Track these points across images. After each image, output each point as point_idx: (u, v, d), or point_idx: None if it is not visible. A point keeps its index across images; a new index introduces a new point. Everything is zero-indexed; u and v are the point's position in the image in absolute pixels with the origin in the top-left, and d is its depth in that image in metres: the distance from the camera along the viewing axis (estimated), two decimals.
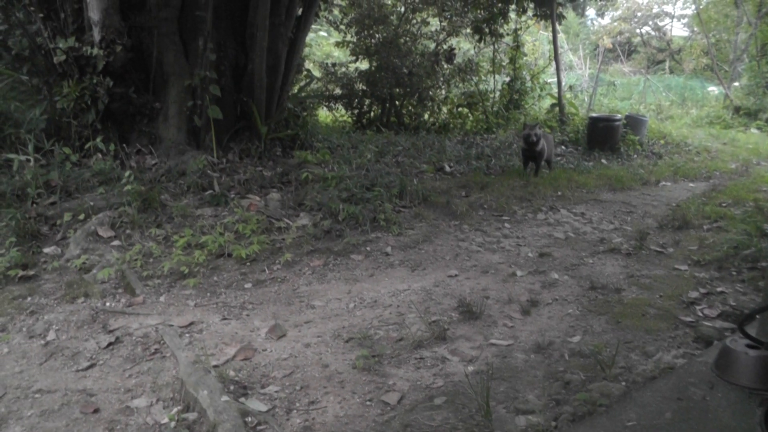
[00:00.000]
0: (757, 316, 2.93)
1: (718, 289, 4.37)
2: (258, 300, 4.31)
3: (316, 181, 6.69)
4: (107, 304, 4.16)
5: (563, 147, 11.17)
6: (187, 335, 3.71)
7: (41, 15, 6.46)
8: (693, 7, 21.48)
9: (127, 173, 5.91)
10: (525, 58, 14.61)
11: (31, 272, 4.55)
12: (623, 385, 2.94)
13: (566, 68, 22.27)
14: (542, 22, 14.31)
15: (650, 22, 27.89)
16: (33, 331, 3.75)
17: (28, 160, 5.87)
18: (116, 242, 5.06)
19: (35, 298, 4.19)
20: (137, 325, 3.85)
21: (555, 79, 13.56)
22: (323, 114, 13.40)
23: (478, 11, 13.03)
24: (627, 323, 3.82)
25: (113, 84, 6.54)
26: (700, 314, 3.95)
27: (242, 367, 3.31)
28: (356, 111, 13.02)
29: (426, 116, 13.47)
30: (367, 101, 12.97)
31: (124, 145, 6.72)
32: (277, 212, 5.93)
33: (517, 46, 13.55)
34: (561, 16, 13.67)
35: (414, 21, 13.23)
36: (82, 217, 5.31)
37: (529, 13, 13.36)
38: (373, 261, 5.11)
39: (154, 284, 4.48)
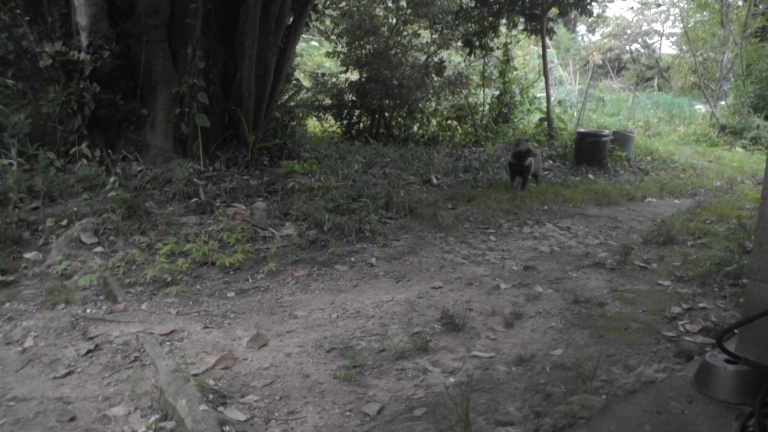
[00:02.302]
0: (735, 332, 2.95)
1: (700, 305, 4.39)
2: (240, 309, 4.29)
3: (302, 191, 6.70)
4: (88, 311, 4.14)
5: (551, 161, 11.22)
6: (167, 343, 3.69)
7: (28, 18, 6.45)
8: (681, 25, 21.70)
9: (112, 179, 5.89)
10: (515, 72, 14.69)
11: (11, 278, 4.51)
12: (604, 398, 2.95)
13: (556, 83, 22.43)
14: (533, 37, 14.42)
15: (640, 40, 28.21)
16: (10, 337, 3.71)
17: (11, 165, 5.83)
18: (99, 249, 5.03)
19: (14, 304, 4.15)
20: (118, 332, 3.83)
21: (544, 94, 13.65)
22: (312, 124, 13.42)
23: (469, 24, 13.12)
24: (609, 337, 3.84)
25: (100, 90, 6.54)
26: (682, 329, 3.97)
27: (222, 376, 3.29)
28: (345, 122, 13.04)
29: (415, 128, 13.51)
30: (357, 112, 13.00)
31: (110, 151, 6.70)
32: (263, 221, 5.92)
33: (507, 60, 13.62)
34: (551, 31, 13.76)
35: (405, 33, 13.28)
36: (65, 222, 5.28)
37: (520, 27, 13.45)
38: (358, 272, 5.10)
39: (137, 292, 4.46)
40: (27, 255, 4.88)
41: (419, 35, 13.64)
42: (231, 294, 4.56)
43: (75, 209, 5.48)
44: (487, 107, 14.03)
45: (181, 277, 4.71)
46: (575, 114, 16.58)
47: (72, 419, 2.88)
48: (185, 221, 5.71)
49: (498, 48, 13.64)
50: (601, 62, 26.22)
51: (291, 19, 8.43)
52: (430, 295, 4.61)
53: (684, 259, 5.53)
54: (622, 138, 11.77)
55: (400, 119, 13.36)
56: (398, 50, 13.00)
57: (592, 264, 5.47)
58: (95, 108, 6.54)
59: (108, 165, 6.51)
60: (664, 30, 29.70)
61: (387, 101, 12.58)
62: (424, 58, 13.48)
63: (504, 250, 5.83)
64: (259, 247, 5.42)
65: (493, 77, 14.14)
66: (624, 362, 3.46)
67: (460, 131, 13.55)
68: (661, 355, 3.58)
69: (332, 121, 13.31)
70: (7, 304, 4.14)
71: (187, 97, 6.89)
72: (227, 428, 2.72)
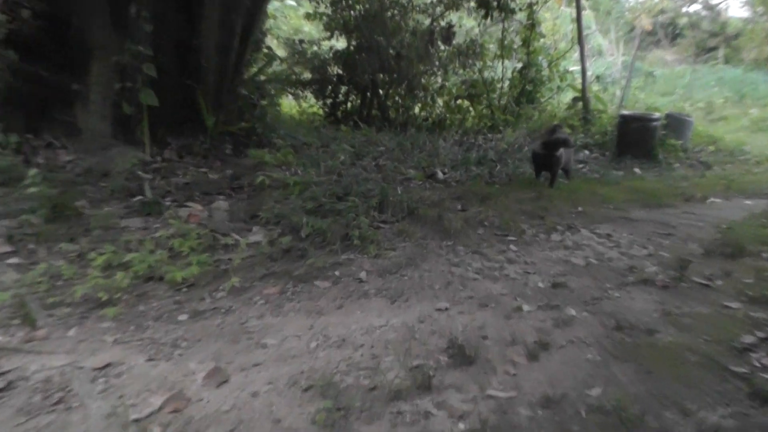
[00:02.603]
0: None
1: None
2: (195, 336, 4.26)
3: (274, 187, 6.69)
4: None
5: (586, 152, 11.26)
6: (101, 380, 3.66)
7: None
8: None
9: (32, 172, 5.85)
10: (542, 40, 14.73)
11: None
12: None
13: (593, 54, 22.50)
14: None
15: (700, 0, 28.27)
16: None
17: None
18: (14, 260, 5.00)
19: None
20: (37, 366, 3.79)
21: (579, 67, 13.68)
22: (287, 104, 13.42)
23: None
24: (661, 373, 3.82)
25: (18, 58, 6.50)
26: (757, 364, 3.95)
27: (171, 422, 3.26)
28: (329, 101, 13.08)
29: (417, 110, 13.56)
30: (344, 89, 13.04)
31: (31, 136, 6.66)
32: (224, 225, 5.90)
33: (532, 25, 13.65)
34: None
35: None
36: None
37: None
38: (343, 289, 5.08)
39: (62, 314, 4.42)
40: None
41: None
42: (183, 317, 4.52)
43: None
44: (506, 84, 14.06)
45: (120, 295, 4.67)
46: (617, 93, 16.64)
47: None
48: (126, 225, 5.70)
49: (521, 10, 13.66)
50: (650, 28, 26.28)
51: None
52: (433, 318, 4.58)
53: (757, 275, 5.52)
54: (676, 123, 11.79)
55: (397, 98, 13.39)
56: (396, 12, 13.01)
57: (639, 280, 5.46)
58: (11, 81, 6.51)
59: (27, 154, 6.48)
60: None
61: (381, 76, 12.60)
62: (428, 21, 13.49)
63: (527, 263, 5.82)
64: (220, 257, 5.40)
65: (515, 46, 14.16)
66: (680, 405, 3.44)
67: (472, 113, 13.59)
68: (730, 396, 3.56)
69: (313, 100, 13.34)
70: None
71: (129, 68, 6.87)
72: None
